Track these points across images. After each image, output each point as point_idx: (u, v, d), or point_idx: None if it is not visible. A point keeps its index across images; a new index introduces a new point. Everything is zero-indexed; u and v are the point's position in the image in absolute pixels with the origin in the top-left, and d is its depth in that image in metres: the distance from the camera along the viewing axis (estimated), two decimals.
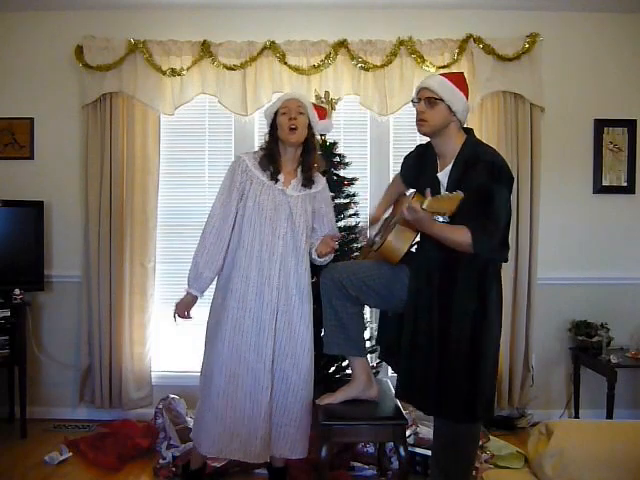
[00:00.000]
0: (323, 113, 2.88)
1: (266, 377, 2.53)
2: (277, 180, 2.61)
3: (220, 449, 2.57)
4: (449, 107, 2.26)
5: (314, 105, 2.77)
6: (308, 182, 2.65)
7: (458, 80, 2.34)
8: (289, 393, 2.58)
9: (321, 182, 2.73)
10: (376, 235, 2.68)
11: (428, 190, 2.06)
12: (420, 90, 2.32)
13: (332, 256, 2.72)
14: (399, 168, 2.68)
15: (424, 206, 2.00)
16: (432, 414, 2.35)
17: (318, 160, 2.75)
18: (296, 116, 2.58)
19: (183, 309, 2.66)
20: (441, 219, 1.99)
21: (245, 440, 2.54)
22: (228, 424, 2.55)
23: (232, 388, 2.55)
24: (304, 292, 2.62)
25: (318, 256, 2.67)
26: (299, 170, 2.67)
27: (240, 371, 2.55)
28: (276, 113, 2.62)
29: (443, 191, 2.27)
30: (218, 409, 2.55)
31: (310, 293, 2.65)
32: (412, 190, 2.55)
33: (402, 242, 2.31)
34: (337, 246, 2.70)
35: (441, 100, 2.26)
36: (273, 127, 2.64)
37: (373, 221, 2.76)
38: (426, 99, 2.27)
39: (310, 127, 2.65)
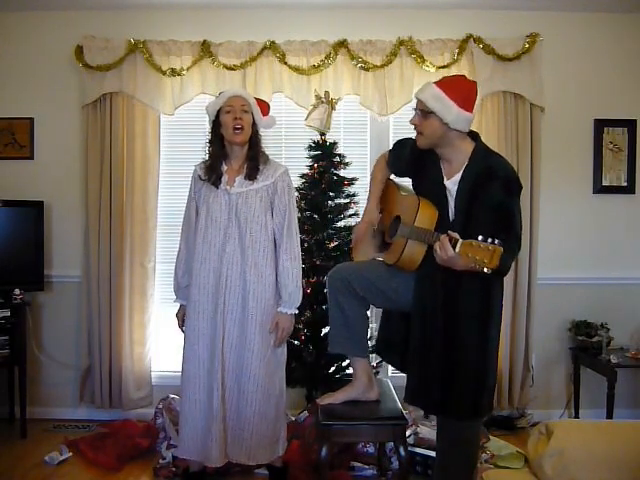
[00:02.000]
0: (266, 108, 2.83)
1: (217, 380, 2.57)
2: (219, 181, 2.62)
3: (185, 451, 2.65)
4: (441, 120, 2.19)
5: (257, 100, 2.75)
6: (252, 175, 2.61)
7: (454, 86, 2.26)
8: (240, 398, 2.60)
9: (276, 172, 2.67)
10: (376, 230, 2.62)
11: (452, 233, 1.98)
12: (417, 100, 2.26)
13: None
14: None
15: (458, 250, 1.94)
16: (439, 413, 2.34)
17: (264, 155, 2.71)
18: (241, 115, 2.57)
19: (180, 320, 2.79)
20: (485, 270, 1.87)
21: (202, 443, 2.59)
22: (190, 427, 2.62)
23: (191, 390, 2.62)
24: (257, 290, 2.61)
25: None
26: (245, 166, 2.65)
27: (200, 372, 2.61)
28: (219, 110, 2.60)
29: (451, 200, 2.24)
30: (184, 411, 2.66)
31: (269, 288, 2.64)
32: (409, 190, 2.51)
33: (418, 254, 2.28)
34: (287, 332, 2.67)
35: (431, 113, 2.20)
36: (216, 125, 2.63)
37: (375, 224, 2.66)
38: (420, 111, 2.23)
39: (254, 124, 2.65)
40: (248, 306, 2.60)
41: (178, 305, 2.84)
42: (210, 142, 2.68)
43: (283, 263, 2.64)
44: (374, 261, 2.53)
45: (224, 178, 2.64)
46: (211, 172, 2.64)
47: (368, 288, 2.38)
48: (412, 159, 2.43)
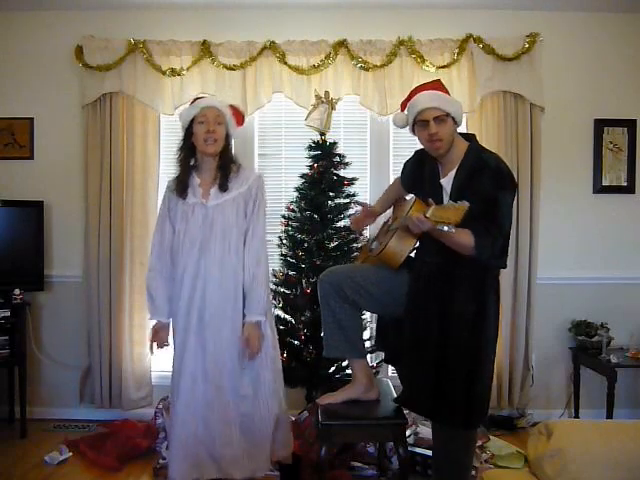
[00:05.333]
0: (241, 119, 2.73)
1: (199, 391, 2.53)
2: (191, 194, 2.54)
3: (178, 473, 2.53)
4: (454, 119, 2.27)
5: (233, 109, 2.66)
6: (223, 186, 2.54)
7: (442, 88, 2.33)
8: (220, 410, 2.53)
9: (250, 178, 2.60)
10: (374, 239, 2.67)
11: (430, 200, 2.04)
12: (422, 111, 2.25)
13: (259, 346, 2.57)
14: (399, 170, 2.68)
15: (428, 214, 1.98)
16: (431, 419, 2.35)
17: (235, 165, 2.62)
18: (214, 128, 2.49)
19: (163, 338, 2.65)
20: (446, 228, 1.94)
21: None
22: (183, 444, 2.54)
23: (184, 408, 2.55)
24: (232, 300, 2.53)
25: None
26: (217, 179, 2.57)
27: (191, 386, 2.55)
28: (192, 120, 2.53)
29: (446, 197, 2.27)
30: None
31: (241, 300, 2.55)
32: (411, 195, 2.53)
33: (403, 247, 2.30)
34: (258, 342, 2.52)
35: (447, 115, 2.25)
36: (188, 134, 2.55)
37: (365, 209, 2.71)
38: (435, 119, 2.24)
39: (227, 136, 2.57)
40: (232, 319, 2.53)
41: None
42: (180, 150, 2.59)
43: (248, 268, 2.53)
44: (365, 265, 2.54)
45: (199, 191, 2.55)
46: (178, 183, 2.56)
47: (358, 291, 2.38)
48: (415, 168, 2.51)
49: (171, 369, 2.64)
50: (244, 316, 2.54)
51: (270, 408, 2.56)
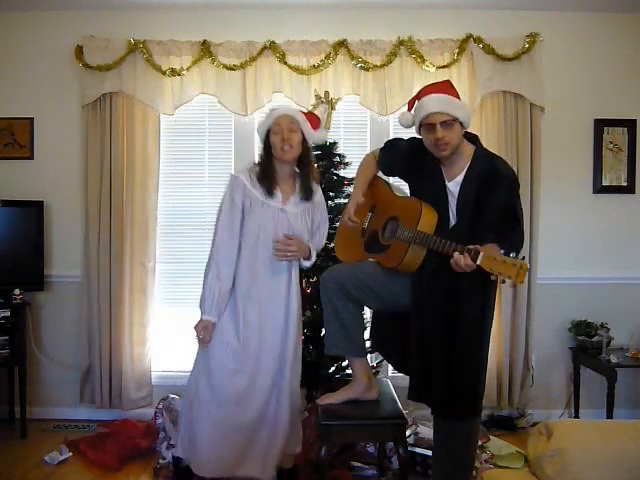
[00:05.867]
0: (316, 122, 2.74)
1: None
2: (274, 197, 2.58)
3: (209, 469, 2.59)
4: (461, 123, 2.26)
5: (308, 114, 2.70)
6: (307, 196, 2.62)
7: (451, 90, 2.30)
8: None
9: (318, 192, 2.72)
10: (365, 224, 2.59)
11: (478, 247, 2.00)
12: (430, 115, 2.23)
13: (312, 255, 2.69)
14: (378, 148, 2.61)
15: (479, 262, 1.97)
16: (440, 414, 2.35)
17: (315, 173, 2.72)
18: (289, 135, 2.52)
19: (203, 333, 2.59)
20: (504, 280, 1.90)
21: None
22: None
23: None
24: (298, 305, 2.68)
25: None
26: (297, 185, 2.64)
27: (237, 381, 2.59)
28: (269, 131, 2.57)
29: (452, 201, 2.27)
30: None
31: (299, 303, 2.71)
32: (406, 193, 2.51)
33: (417, 259, 2.30)
34: (287, 249, 2.57)
35: (455, 120, 2.23)
36: (267, 145, 2.58)
37: (359, 206, 2.64)
38: (442, 123, 2.22)
39: (305, 141, 2.60)
40: (290, 318, 2.63)
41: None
42: (262, 161, 2.62)
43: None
44: (367, 262, 2.52)
45: (279, 196, 2.59)
46: (265, 182, 2.57)
47: (362, 289, 2.38)
48: (407, 160, 2.45)
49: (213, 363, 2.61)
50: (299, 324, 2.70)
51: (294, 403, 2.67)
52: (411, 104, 2.38)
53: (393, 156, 2.53)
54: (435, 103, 2.23)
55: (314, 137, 2.66)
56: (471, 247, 2.02)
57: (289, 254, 2.56)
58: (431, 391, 2.30)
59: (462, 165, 2.28)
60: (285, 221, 2.58)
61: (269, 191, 2.57)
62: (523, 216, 2.24)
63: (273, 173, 2.60)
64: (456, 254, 2.05)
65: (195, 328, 2.58)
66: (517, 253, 2.03)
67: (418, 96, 2.33)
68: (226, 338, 2.57)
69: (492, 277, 1.96)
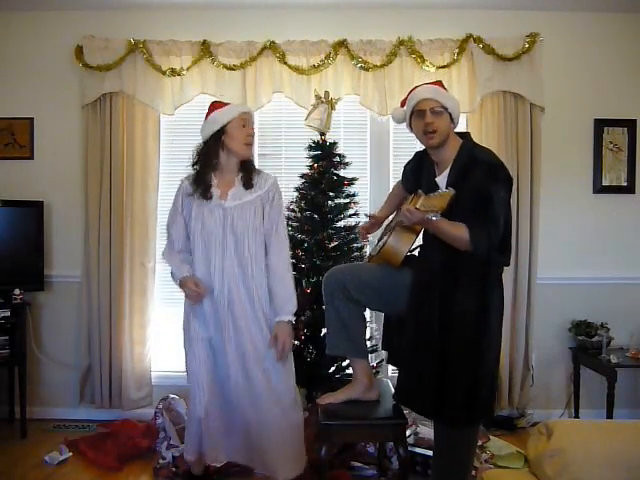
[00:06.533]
0: None
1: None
2: (211, 196, 2.57)
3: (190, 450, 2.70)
4: (450, 115, 2.30)
5: None
6: (247, 185, 2.59)
7: (443, 87, 2.38)
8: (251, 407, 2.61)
9: (267, 183, 2.64)
10: (379, 240, 2.67)
11: (419, 191, 2.11)
12: (420, 102, 2.30)
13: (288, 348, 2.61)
14: (399, 171, 2.73)
15: (417, 205, 2.04)
16: (431, 417, 2.35)
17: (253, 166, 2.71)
18: (254, 132, 2.61)
19: (196, 292, 2.58)
20: (433, 217, 2.01)
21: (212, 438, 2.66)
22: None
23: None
24: (255, 300, 2.58)
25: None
26: (237, 179, 2.62)
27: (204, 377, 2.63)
28: (226, 123, 2.55)
29: (437, 191, 2.27)
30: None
31: (263, 299, 2.60)
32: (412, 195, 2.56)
33: (402, 244, 2.31)
34: (288, 343, 2.57)
35: (445, 109, 2.28)
36: (218, 135, 2.55)
37: (372, 218, 2.74)
38: (431, 110, 2.27)
39: None
40: (256, 318, 2.58)
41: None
42: (203, 151, 2.60)
43: (275, 269, 2.58)
44: (370, 264, 2.54)
45: (216, 192, 2.58)
46: (199, 184, 2.58)
47: (363, 291, 2.38)
48: (414, 169, 2.55)
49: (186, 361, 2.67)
50: (266, 316, 2.59)
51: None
52: (403, 103, 2.44)
53: (405, 170, 2.65)
54: (426, 90, 2.33)
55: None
56: (418, 193, 2.16)
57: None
58: (421, 394, 2.27)
59: (450, 159, 2.31)
60: (226, 216, 2.55)
61: (201, 186, 2.57)
62: (503, 202, 2.21)
63: (212, 169, 2.59)
64: (403, 207, 2.17)
65: (185, 289, 2.58)
66: (489, 237, 2.13)
67: (409, 94, 2.40)
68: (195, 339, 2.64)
69: (429, 217, 2.03)
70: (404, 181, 2.66)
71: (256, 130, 3.82)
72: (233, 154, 2.58)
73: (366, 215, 2.81)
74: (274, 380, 2.57)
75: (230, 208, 2.57)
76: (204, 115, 2.67)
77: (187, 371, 2.67)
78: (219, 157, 2.60)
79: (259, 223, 2.59)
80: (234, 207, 2.57)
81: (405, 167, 2.66)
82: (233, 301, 2.56)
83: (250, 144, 2.60)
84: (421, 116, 2.29)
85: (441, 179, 2.32)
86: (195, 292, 2.55)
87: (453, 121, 2.33)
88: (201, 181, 2.58)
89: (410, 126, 2.40)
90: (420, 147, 2.52)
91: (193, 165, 2.64)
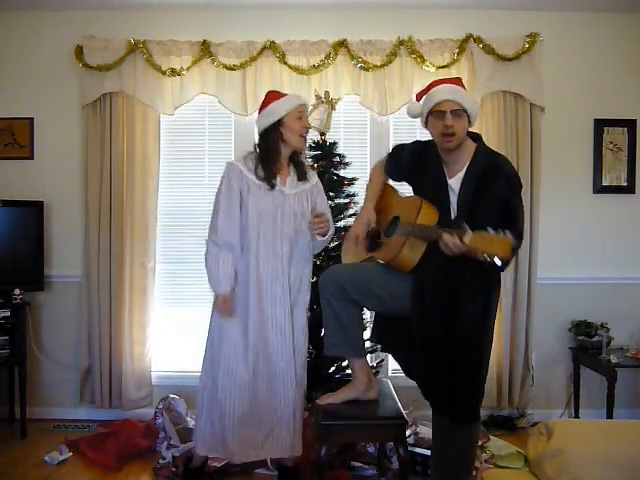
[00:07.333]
0: None
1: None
2: (274, 183, 2.63)
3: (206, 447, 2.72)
4: (469, 118, 2.27)
5: None
6: (303, 177, 2.70)
7: (463, 86, 2.33)
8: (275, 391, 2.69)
9: (314, 176, 2.80)
10: (375, 238, 2.63)
11: (466, 226, 1.98)
12: (441, 103, 2.23)
13: (330, 232, 2.75)
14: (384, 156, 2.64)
15: (466, 241, 1.96)
16: (447, 415, 2.33)
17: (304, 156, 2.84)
18: (309, 124, 2.67)
19: (224, 307, 2.65)
20: (498, 262, 1.90)
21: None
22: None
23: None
24: (307, 285, 2.76)
25: (319, 235, 2.70)
26: (291, 168, 2.71)
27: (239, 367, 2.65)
28: (286, 114, 2.60)
29: (454, 198, 2.26)
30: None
31: (310, 284, 2.78)
32: (413, 195, 2.50)
33: (415, 254, 2.29)
34: (325, 224, 2.69)
35: (464, 111, 2.24)
36: (276, 126, 2.60)
37: (370, 227, 2.64)
38: (452, 112, 2.22)
39: None
40: (298, 302, 2.70)
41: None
42: (266, 142, 2.64)
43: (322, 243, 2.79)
44: (368, 263, 2.52)
45: (277, 179, 2.66)
46: (267, 173, 2.62)
47: (360, 291, 2.37)
48: (411, 162, 2.46)
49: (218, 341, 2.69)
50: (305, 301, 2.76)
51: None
52: (420, 96, 2.39)
53: (397, 160, 2.55)
54: (448, 91, 2.26)
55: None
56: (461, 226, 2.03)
57: (323, 228, 2.67)
58: (435, 394, 2.29)
59: (464, 162, 2.27)
60: (285, 203, 2.65)
61: (269, 176, 2.62)
62: (523, 214, 2.22)
63: (276, 158, 2.65)
64: (445, 234, 2.06)
65: (216, 305, 2.66)
66: (515, 250, 2.03)
67: (429, 88, 2.34)
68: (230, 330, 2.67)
69: (480, 257, 1.94)
70: (391, 166, 2.56)
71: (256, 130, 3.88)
72: (288, 145, 2.65)
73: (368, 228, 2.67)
74: (298, 355, 2.69)
75: (290, 195, 2.66)
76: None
77: (212, 361, 2.68)
78: (279, 147, 2.65)
79: (308, 212, 2.71)
80: (294, 195, 2.67)
81: (397, 151, 2.56)
82: (294, 284, 2.68)
83: (305, 136, 2.66)
84: (440, 117, 2.24)
85: (455, 182, 2.28)
86: (227, 310, 2.63)
87: (470, 123, 2.29)
88: (268, 170, 2.63)
89: (425, 123, 2.35)
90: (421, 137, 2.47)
91: (259, 154, 2.67)
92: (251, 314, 2.63)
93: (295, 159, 2.72)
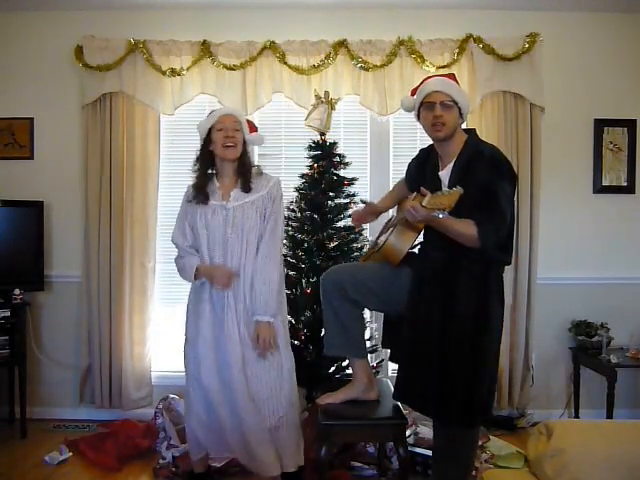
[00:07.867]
0: (253, 127, 2.88)
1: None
2: (207, 201, 2.63)
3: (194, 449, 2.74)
4: (459, 109, 2.30)
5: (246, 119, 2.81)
6: (246, 187, 2.64)
7: (455, 81, 2.38)
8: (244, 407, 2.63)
9: (269, 183, 2.70)
10: (378, 237, 2.67)
11: (423, 189, 2.07)
12: (431, 94, 2.29)
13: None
14: (399, 170, 2.73)
15: (423, 203, 2.01)
16: (432, 416, 2.35)
17: (255, 169, 2.75)
18: (233, 133, 2.61)
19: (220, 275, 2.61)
20: (440, 215, 1.98)
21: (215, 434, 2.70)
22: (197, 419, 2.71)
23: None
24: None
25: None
26: (238, 180, 2.67)
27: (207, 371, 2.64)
28: (210, 129, 2.64)
29: (444, 189, 2.27)
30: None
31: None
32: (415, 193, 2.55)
33: (403, 242, 2.31)
34: (267, 341, 2.59)
35: (454, 103, 2.28)
36: (206, 143, 2.66)
37: (368, 207, 2.71)
38: (441, 103, 2.27)
39: (245, 142, 2.69)
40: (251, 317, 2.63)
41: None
42: (198, 159, 2.70)
43: (261, 268, 2.59)
44: (368, 263, 2.54)
45: (218, 194, 2.65)
46: (198, 191, 2.65)
47: (360, 290, 2.38)
48: (417, 168, 2.54)
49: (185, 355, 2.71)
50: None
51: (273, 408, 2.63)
52: (414, 91, 2.43)
53: (409, 171, 2.64)
54: (438, 83, 2.32)
55: (252, 139, 2.77)
56: (423, 191, 2.10)
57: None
58: (421, 393, 2.27)
59: (455, 154, 2.31)
60: (229, 216, 2.60)
61: (200, 195, 2.64)
62: (509, 197, 2.21)
63: (207, 174, 2.67)
64: (408, 202, 2.14)
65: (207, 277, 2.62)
66: (497, 230, 2.12)
67: (421, 83, 2.40)
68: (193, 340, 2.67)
69: (436, 215, 1.99)
70: (407, 177, 2.65)
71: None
72: (220, 158, 2.65)
73: (362, 201, 2.78)
74: (274, 375, 2.62)
75: (232, 208, 2.61)
76: (206, 115, 2.71)
77: (185, 370, 2.69)
78: (215, 164, 2.69)
79: (261, 224, 2.64)
80: (236, 207, 2.62)
81: (410, 164, 2.65)
82: (237, 299, 2.60)
83: (229, 145, 2.61)
84: (430, 108, 2.29)
85: (444, 173, 2.31)
86: (222, 273, 2.58)
87: (462, 116, 2.33)
88: (199, 188, 2.66)
89: (418, 116, 2.40)
90: (421, 146, 2.51)
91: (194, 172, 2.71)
92: (205, 329, 2.62)
93: (240, 170, 2.67)
